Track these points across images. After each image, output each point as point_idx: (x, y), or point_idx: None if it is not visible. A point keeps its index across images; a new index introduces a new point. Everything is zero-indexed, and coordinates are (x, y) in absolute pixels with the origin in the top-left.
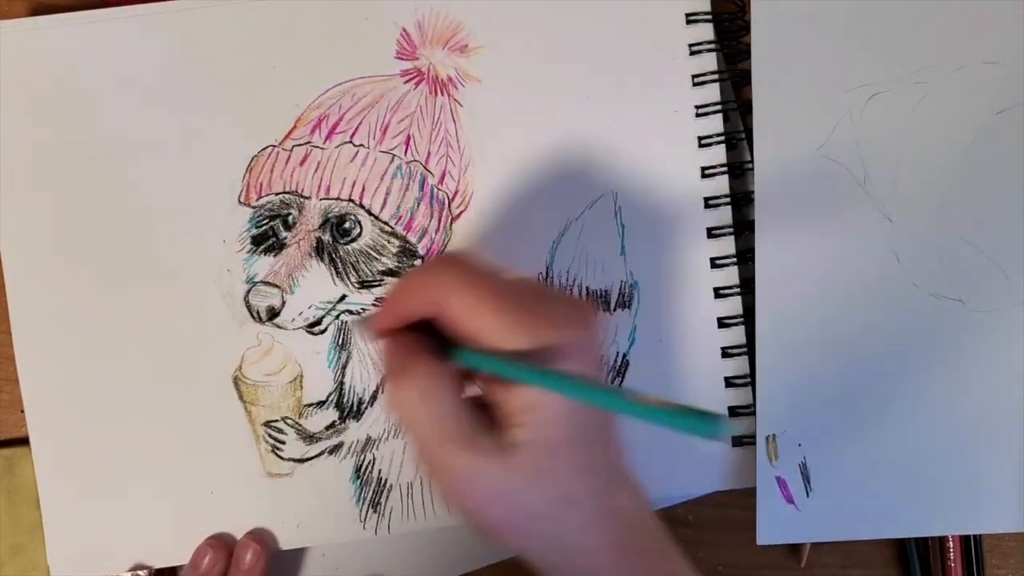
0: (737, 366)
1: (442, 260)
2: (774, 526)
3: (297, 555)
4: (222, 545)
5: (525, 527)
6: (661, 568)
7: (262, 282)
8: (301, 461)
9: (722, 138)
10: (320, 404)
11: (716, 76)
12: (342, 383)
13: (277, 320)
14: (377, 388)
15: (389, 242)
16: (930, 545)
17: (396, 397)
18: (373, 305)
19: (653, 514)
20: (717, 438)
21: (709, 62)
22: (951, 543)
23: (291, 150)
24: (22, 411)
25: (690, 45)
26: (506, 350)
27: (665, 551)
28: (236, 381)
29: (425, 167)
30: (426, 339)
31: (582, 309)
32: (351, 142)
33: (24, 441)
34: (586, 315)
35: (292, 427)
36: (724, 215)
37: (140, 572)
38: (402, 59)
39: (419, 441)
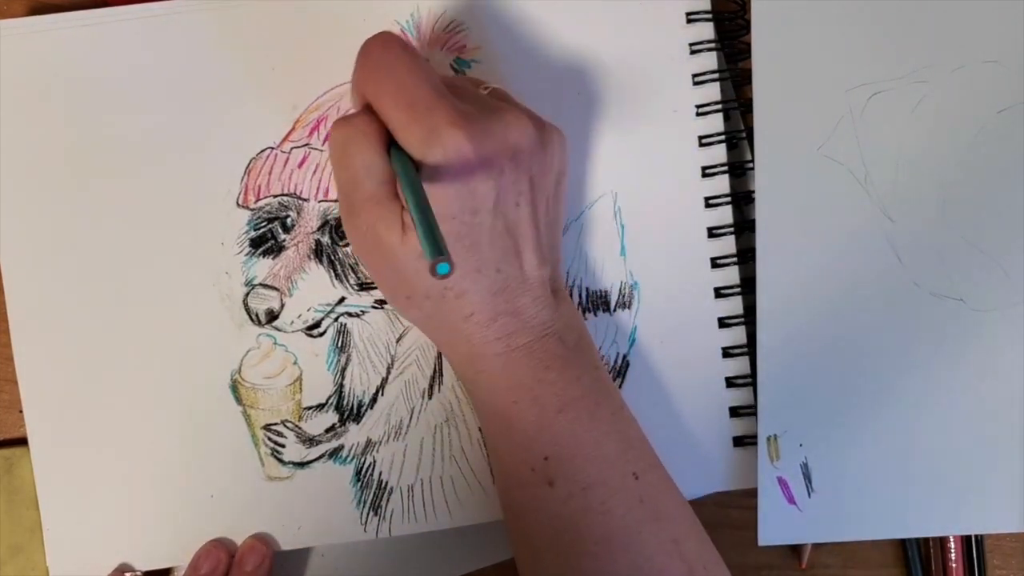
0: (737, 366)
1: (369, 43)
2: (776, 527)
3: (296, 556)
4: (223, 547)
5: (414, 300)
6: (548, 368)
7: (261, 285)
8: (301, 464)
9: (722, 137)
10: (320, 407)
11: (716, 75)
12: (341, 386)
13: (276, 323)
14: (377, 391)
15: None
16: (931, 546)
17: (335, 137)
18: (373, 307)
19: (567, 323)
20: (436, 272)
21: (709, 61)
22: (952, 543)
23: (289, 152)
24: (21, 411)
25: (690, 44)
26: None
27: (560, 355)
28: (235, 384)
29: None
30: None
31: (488, 119)
32: None
33: (23, 441)
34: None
35: (292, 430)
36: (724, 215)
37: (130, 574)
38: None
39: (340, 183)
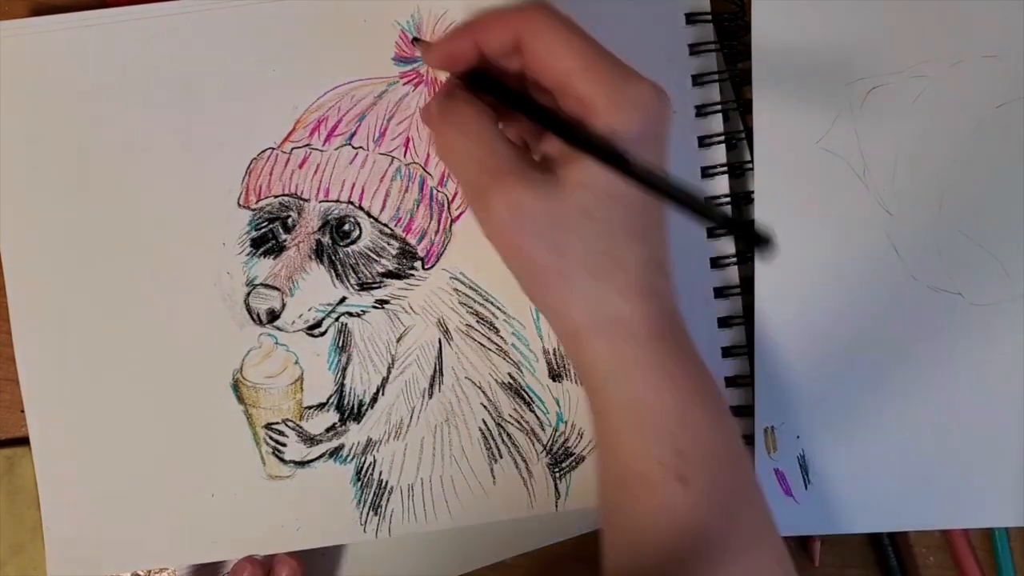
0: (737, 366)
1: (531, 2)
2: None
3: (296, 556)
4: (258, 564)
5: (567, 280)
6: (685, 358)
7: (262, 284)
8: (302, 464)
9: (722, 138)
10: (321, 406)
11: (716, 76)
12: (342, 385)
13: (277, 322)
14: (377, 390)
15: (389, 244)
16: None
17: (438, 140)
18: (373, 307)
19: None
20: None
21: (709, 62)
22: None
23: (290, 152)
24: (22, 411)
25: (690, 45)
26: (576, 101)
27: (689, 345)
28: (237, 383)
29: (424, 169)
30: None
31: (662, 94)
32: (350, 144)
33: (24, 441)
34: (664, 101)
35: (293, 429)
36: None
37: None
38: (401, 61)
39: (462, 179)
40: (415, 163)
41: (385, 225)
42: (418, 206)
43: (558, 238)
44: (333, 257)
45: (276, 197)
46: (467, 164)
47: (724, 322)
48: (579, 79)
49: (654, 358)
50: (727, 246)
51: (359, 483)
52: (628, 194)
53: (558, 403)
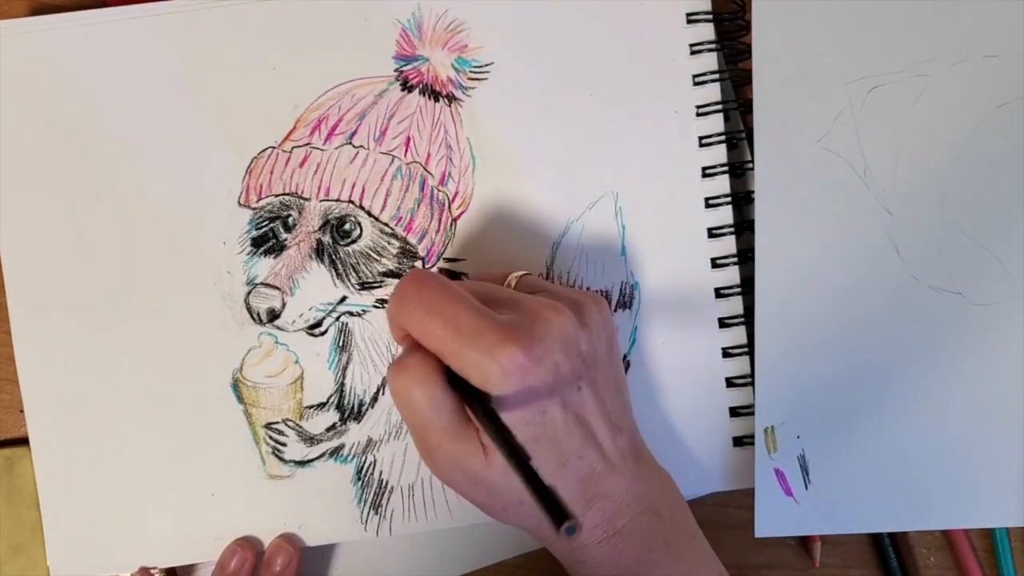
0: (737, 366)
1: (403, 286)
2: (772, 519)
3: None
4: (250, 545)
5: (509, 510)
6: (652, 550)
7: (262, 284)
8: (302, 463)
9: (723, 138)
10: (321, 406)
11: (717, 76)
12: (343, 385)
13: (278, 322)
14: (378, 390)
15: (389, 243)
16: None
17: (395, 384)
18: (374, 307)
19: (660, 493)
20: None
21: (709, 62)
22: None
23: (291, 151)
24: (22, 411)
25: (690, 45)
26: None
27: (661, 533)
28: (237, 383)
29: (425, 168)
30: None
31: (530, 351)
32: (351, 143)
33: (24, 441)
34: (530, 331)
35: (293, 429)
36: (724, 215)
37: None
38: (402, 59)
39: (412, 426)
40: (416, 162)
41: (386, 224)
42: (419, 205)
43: (490, 487)
44: (334, 256)
45: (277, 196)
46: (414, 415)
47: (724, 322)
48: (447, 360)
49: (610, 561)
50: (727, 246)
51: (360, 482)
52: (535, 433)
53: None
